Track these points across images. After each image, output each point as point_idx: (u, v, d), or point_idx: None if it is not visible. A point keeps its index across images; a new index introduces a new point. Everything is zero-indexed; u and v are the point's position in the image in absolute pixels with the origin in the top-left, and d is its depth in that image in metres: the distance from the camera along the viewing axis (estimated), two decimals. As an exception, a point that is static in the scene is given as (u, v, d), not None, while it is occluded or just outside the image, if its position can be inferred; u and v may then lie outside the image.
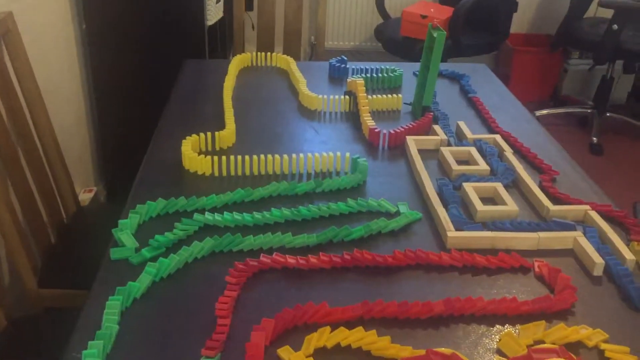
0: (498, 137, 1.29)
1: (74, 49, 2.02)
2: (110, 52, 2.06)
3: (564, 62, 3.61)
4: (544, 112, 3.34)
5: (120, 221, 0.96)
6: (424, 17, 2.95)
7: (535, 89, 3.62)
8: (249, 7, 3.05)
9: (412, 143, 1.25)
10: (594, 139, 3.11)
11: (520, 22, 3.66)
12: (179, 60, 1.74)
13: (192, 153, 1.14)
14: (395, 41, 3.08)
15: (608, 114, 3.25)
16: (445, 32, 1.32)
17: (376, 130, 1.28)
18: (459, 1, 2.84)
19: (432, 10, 3.00)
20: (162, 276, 0.86)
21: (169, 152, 1.20)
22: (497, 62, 3.79)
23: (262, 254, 0.90)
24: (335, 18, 3.61)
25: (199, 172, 1.14)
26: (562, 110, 3.45)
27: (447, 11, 2.96)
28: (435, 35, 1.32)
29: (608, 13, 2.98)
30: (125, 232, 0.94)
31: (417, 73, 1.68)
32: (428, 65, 1.37)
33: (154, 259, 0.89)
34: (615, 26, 2.82)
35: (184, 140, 1.19)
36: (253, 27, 3.13)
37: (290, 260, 0.89)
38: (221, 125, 1.31)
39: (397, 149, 1.28)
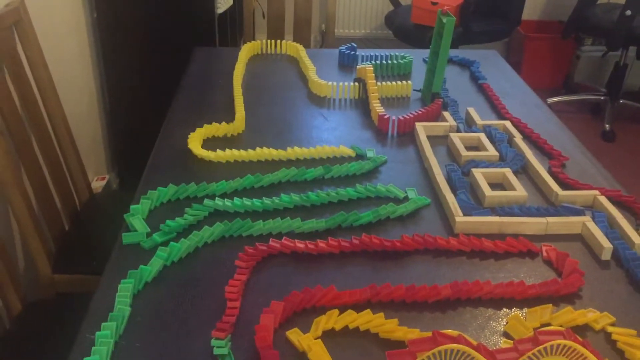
0: (507, 123, 1.29)
1: (85, 37, 2.03)
2: (121, 40, 2.07)
3: (576, 49, 3.57)
4: (556, 99, 3.32)
5: (131, 206, 0.98)
6: (434, 3, 2.93)
7: (548, 76, 3.60)
8: (259, -5, 3.05)
9: (421, 129, 1.25)
10: (607, 126, 3.09)
11: (532, 9, 3.63)
12: (190, 48, 1.75)
13: (199, 150, 1.15)
14: (405, 28, 3.07)
15: (621, 101, 3.23)
16: (454, 18, 1.32)
17: (385, 116, 1.28)
18: (470, -13, 2.82)
19: (442, -4, 2.98)
20: (173, 260, 0.88)
21: (179, 139, 1.21)
22: (509, 49, 3.76)
23: (271, 239, 0.91)
24: (346, 6, 3.60)
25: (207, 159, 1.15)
26: (575, 97, 3.42)
27: (458, -2, 2.94)
28: (444, 21, 1.32)
29: (621, -2, 2.95)
30: (136, 217, 0.95)
31: (427, 60, 1.69)
32: (437, 51, 1.37)
33: (165, 243, 0.91)
34: (628, 12, 2.79)
35: (192, 134, 1.20)
36: (264, 15, 3.13)
37: (299, 244, 0.90)
38: (231, 112, 1.32)
39: (406, 135, 1.29)
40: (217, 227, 0.93)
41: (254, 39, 2.39)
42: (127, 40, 2.07)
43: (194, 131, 1.22)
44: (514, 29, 3.18)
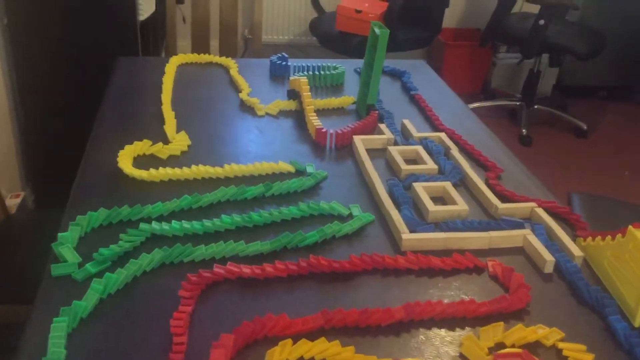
0: (443, 135, 1.30)
1: (-5, 45, 1.90)
2: (35, 48, 1.95)
3: (492, 56, 3.71)
4: (476, 104, 3.43)
5: (59, 234, 0.90)
6: (358, 11, 2.96)
7: (466, 82, 3.71)
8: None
9: (360, 143, 1.24)
10: (524, 130, 3.22)
11: (450, 17, 3.74)
12: (110, 57, 1.66)
13: (130, 168, 1.09)
14: (330, 35, 3.08)
15: (536, 107, 3.37)
16: (388, 31, 1.32)
17: (323, 130, 1.26)
18: (393, -4, 2.86)
19: (366, 5, 3.01)
20: (109, 292, 0.81)
21: (107, 156, 1.14)
22: (429, 57, 3.85)
23: (215, 264, 0.87)
24: (269, 12, 3.57)
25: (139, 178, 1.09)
26: (492, 103, 3.55)
27: (381, 6, 2.98)
28: (378, 33, 1.32)
29: (533, 8, 3.08)
30: (66, 246, 0.88)
31: (359, 70, 1.68)
32: (371, 63, 1.36)
33: (99, 274, 0.84)
34: (542, 21, 2.92)
35: (121, 151, 1.13)
36: (184, 21, 3.05)
37: (245, 270, 0.86)
38: (161, 127, 1.26)
39: (344, 148, 1.27)
40: (156, 253, 0.88)
41: (176, 46, 2.32)
42: (42, 49, 1.95)
43: (122, 148, 1.15)
44: (435, 37, 3.26)
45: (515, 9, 3.35)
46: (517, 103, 3.43)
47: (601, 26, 3.25)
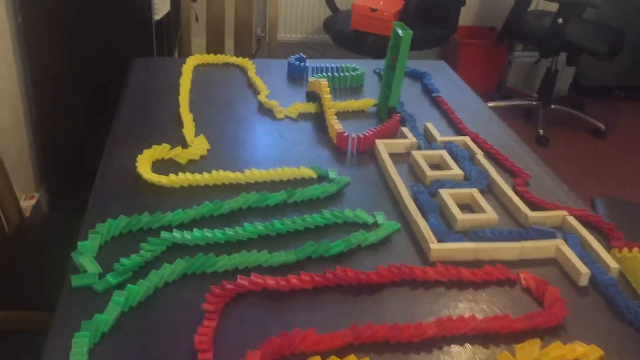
0: (467, 139, 1.27)
1: (9, 44, 1.87)
2: (50, 48, 1.92)
3: (508, 55, 3.66)
4: (491, 104, 3.37)
5: (79, 243, 0.88)
6: (373, 10, 2.92)
7: (481, 81, 3.66)
8: (192, -3, 2.93)
9: (383, 147, 1.21)
10: (540, 131, 3.17)
11: (465, 15, 3.68)
12: (125, 57, 1.64)
13: (149, 174, 1.06)
14: (344, 34, 3.04)
15: (553, 106, 3.32)
16: (411, 32, 1.28)
17: (344, 134, 1.23)
18: (409, -6, 2.82)
19: (381, 3, 2.97)
20: (131, 305, 0.79)
21: (126, 162, 1.12)
22: (444, 55, 3.81)
23: (238, 276, 0.84)
24: (283, 10, 3.53)
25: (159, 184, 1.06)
26: (508, 102, 3.50)
27: (397, 4, 2.94)
28: (401, 34, 1.29)
29: (550, 6, 3.03)
30: (86, 256, 0.85)
31: (378, 71, 1.65)
32: (393, 64, 1.33)
33: (120, 284, 0.82)
34: (560, 20, 2.87)
35: (140, 156, 1.10)
36: (197, 19, 3.02)
37: (270, 281, 0.83)
38: (179, 130, 1.23)
39: (366, 152, 1.24)
40: (178, 264, 0.85)
41: (190, 45, 2.29)
42: (56, 49, 1.92)
43: (140, 152, 1.13)
44: (451, 35, 3.21)
45: (532, 6, 3.30)
46: (534, 103, 3.38)
47: (618, 25, 3.20)
